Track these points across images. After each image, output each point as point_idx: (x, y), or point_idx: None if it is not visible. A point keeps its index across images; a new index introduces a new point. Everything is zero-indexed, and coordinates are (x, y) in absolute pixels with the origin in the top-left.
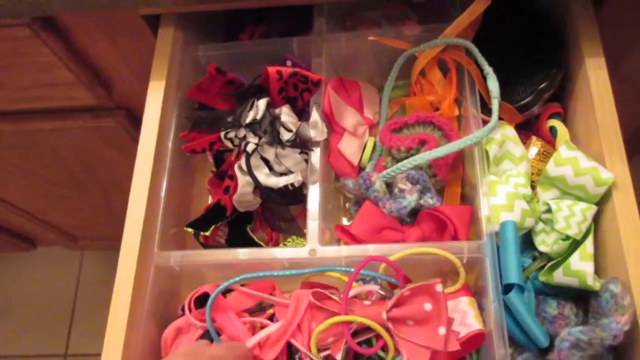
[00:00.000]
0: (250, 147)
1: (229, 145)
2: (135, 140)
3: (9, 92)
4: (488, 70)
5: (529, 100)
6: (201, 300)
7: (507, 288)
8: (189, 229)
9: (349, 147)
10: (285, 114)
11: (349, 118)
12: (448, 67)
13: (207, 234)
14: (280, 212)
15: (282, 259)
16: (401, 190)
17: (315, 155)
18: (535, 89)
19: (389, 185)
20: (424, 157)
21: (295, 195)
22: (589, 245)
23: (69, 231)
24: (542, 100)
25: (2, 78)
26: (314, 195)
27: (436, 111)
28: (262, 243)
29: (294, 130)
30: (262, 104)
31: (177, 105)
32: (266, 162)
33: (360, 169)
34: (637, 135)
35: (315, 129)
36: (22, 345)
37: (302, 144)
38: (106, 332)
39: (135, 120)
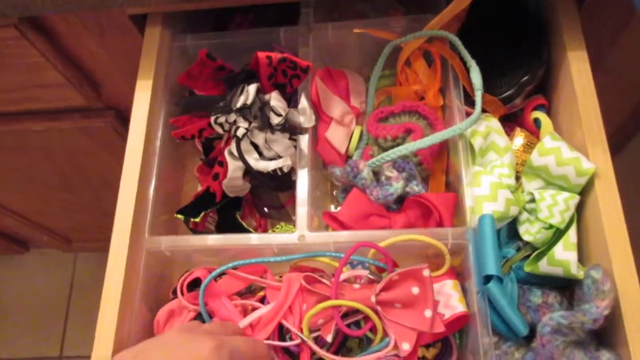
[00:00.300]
0: (240, 132)
1: (219, 130)
2: (125, 140)
3: None
4: (471, 62)
5: (510, 92)
6: (191, 284)
7: (487, 279)
8: (179, 216)
9: (336, 136)
10: (275, 99)
11: (336, 107)
12: (433, 58)
13: (197, 220)
14: (269, 199)
15: (271, 244)
16: (388, 178)
17: (304, 142)
18: (517, 82)
19: (376, 174)
20: (408, 147)
21: (284, 181)
22: (572, 235)
23: (62, 233)
24: (524, 93)
25: None
26: (302, 182)
27: (421, 100)
28: (251, 229)
29: (284, 114)
30: (252, 89)
31: (165, 97)
32: (255, 147)
33: (348, 157)
34: (623, 128)
35: (304, 115)
36: (17, 347)
37: (292, 129)
38: (99, 316)
39: (124, 120)
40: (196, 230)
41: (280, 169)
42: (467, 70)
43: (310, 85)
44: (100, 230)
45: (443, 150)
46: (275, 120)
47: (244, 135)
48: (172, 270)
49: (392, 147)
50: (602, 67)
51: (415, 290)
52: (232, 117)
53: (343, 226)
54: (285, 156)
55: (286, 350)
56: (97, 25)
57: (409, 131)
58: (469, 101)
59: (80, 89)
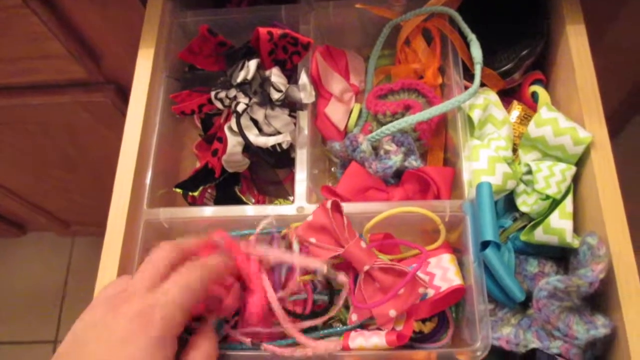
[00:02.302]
0: (240, 107)
1: (219, 105)
2: (125, 116)
3: None
4: (471, 37)
5: (510, 66)
6: None
7: (484, 246)
8: (178, 190)
9: (335, 112)
10: (275, 75)
11: (336, 84)
12: (432, 36)
13: (196, 194)
14: (267, 175)
15: (270, 215)
16: (386, 152)
17: (304, 119)
18: (517, 56)
19: (375, 149)
20: (408, 120)
21: (283, 158)
22: (568, 204)
23: (60, 216)
24: (523, 68)
25: None
26: (301, 156)
27: (420, 79)
28: (250, 203)
29: (284, 90)
30: (252, 64)
31: (166, 72)
32: (255, 123)
33: (346, 134)
34: (621, 109)
35: (304, 91)
36: (12, 331)
37: (292, 105)
38: (96, 287)
39: (125, 96)
40: (194, 204)
41: (280, 145)
42: (467, 45)
43: (311, 61)
44: (98, 214)
45: (441, 126)
46: (276, 95)
47: (244, 110)
48: None
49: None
50: (600, 47)
51: (401, 291)
52: (232, 92)
53: (341, 200)
54: (284, 132)
55: None
56: None
57: (408, 107)
58: (468, 75)
59: (81, 61)
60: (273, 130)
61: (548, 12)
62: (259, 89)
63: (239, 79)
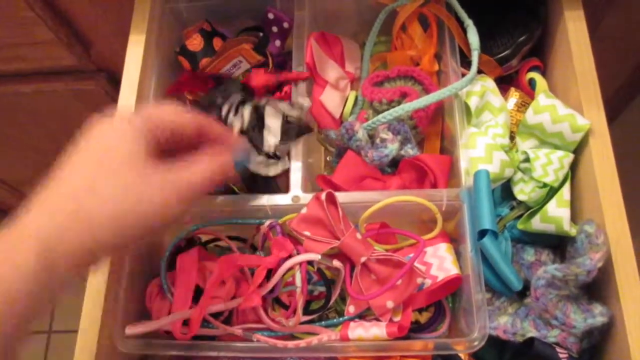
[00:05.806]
0: None
1: None
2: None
3: None
4: (468, 22)
5: (507, 53)
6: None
7: (482, 234)
8: None
9: (330, 100)
10: (270, 115)
11: (331, 71)
12: (429, 22)
13: None
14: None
15: (265, 205)
16: (383, 140)
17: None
18: (515, 42)
19: (371, 137)
20: (404, 107)
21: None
22: (565, 192)
23: None
24: (520, 54)
25: None
26: (297, 145)
27: (416, 66)
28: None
29: (278, 139)
30: (246, 113)
31: (158, 57)
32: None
33: (341, 122)
34: (617, 96)
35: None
36: None
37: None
38: (87, 285)
39: (116, 84)
40: None
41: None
42: (464, 31)
43: (306, 48)
44: None
45: (438, 114)
46: (271, 141)
47: None
48: (164, 235)
49: (387, 110)
50: (596, 35)
51: (398, 281)
52: None
53: (337, 189)
54: (283, 156)
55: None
56: None
57: (404, 95)
58: (465, 62)
59: (71, 47)
60: (272, 154)
61: None
62: (257, 134)
63: (236, 129)
